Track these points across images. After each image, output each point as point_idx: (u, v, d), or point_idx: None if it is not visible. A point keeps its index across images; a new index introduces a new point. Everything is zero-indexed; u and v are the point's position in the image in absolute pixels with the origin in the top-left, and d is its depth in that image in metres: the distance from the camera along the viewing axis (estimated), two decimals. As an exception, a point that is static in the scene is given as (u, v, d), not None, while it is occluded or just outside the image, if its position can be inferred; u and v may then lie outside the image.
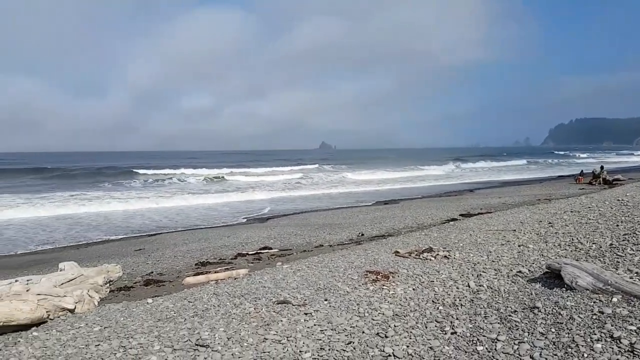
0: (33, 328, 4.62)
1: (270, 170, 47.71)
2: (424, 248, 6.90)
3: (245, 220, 16.82)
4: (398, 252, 6.84)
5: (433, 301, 4.58)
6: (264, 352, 3.58)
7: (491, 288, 4.78)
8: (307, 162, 67.82)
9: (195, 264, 8.76)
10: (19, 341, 4.23)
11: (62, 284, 5.22)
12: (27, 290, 4.83)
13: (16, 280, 4.99)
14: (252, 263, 8.40)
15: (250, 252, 9.49)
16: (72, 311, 5.04)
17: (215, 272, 7.33)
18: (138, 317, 4.62)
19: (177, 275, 7.80)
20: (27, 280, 5.03)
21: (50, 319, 4.85)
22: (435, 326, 3.97)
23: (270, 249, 9.84)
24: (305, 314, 4.35)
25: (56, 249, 12.19)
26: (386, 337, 3.76)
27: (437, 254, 6.48)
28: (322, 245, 9.90)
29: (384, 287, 5.05)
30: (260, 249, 9.80)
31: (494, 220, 9.60)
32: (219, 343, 3.79)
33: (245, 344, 3.75)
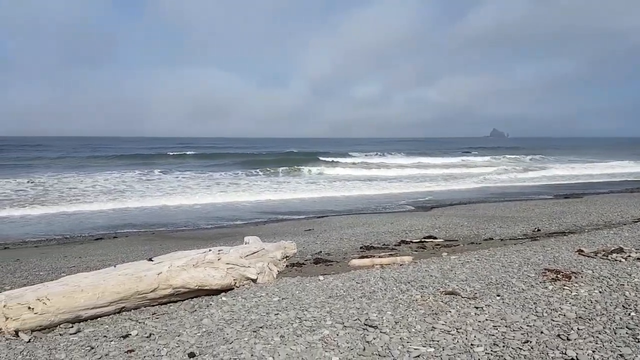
0: (222, 293, 5.22)
1: (456, 161, 45.83)
2: (613, 248, 6.13)
3: (410, 208, 16.80)
4: (582, 250, 6.18)
5: (623, 306, 4.05)
6: (433, 341, 3.53)
7: (697, 297, 4.08)
8: (492, 151, 64.73)
9: (360, 247, 9.01)
10: (211, 304, 4.82)
11: (246, 255, 5.80)
12: (219, 259, 5.47)
13: (209, 250, 5.66)
14: (416, 251, 8.34)
15: (414, 240, 9.43)
16: (254, 281, 5.58)
17: (380, 257, 7.45)
18: (311, 292, 4.93)
19: (343, 257, 8.10)
20: (219, 250, 5.67)
21: (236, 287, 5.44)
22: (627, 333, 3.51)
23: (435, 238, 9.66)
24: (476, 307, 4.19)
25: (238, 225, 13.66)
26: (568, 339, 3.43)
27: (629, 256, 5.71)
28: (492, 239, 9.40)
29: (565, 287, 4.62)
30: (424, 238, 9.68)
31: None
32: (386, 326, 3.85)
33: (413, 330, 3.75)
